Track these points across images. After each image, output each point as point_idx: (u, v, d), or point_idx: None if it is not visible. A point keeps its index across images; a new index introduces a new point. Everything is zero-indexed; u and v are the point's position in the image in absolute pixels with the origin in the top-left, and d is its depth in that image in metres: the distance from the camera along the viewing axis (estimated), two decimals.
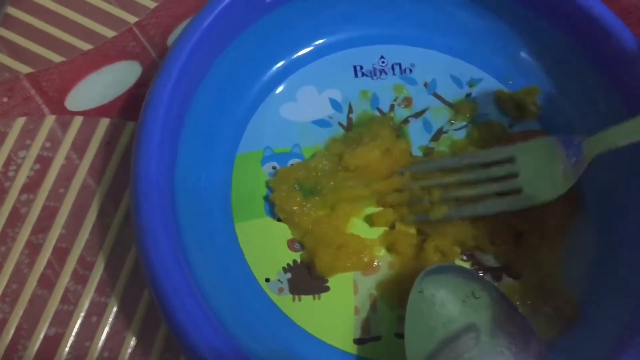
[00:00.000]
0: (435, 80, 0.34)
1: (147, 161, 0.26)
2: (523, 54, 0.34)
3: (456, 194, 0.30)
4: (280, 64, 0.34)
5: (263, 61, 0.33)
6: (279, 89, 0.33)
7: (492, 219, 0.30)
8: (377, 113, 0.33)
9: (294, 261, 0.30)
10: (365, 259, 0.30)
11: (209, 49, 0.29)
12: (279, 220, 0.30)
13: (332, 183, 0.30)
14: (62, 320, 0.29)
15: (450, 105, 0.34)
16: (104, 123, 0.33)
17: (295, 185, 0.30)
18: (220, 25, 0.29)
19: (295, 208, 0.30)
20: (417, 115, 0.33)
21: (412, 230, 0.31)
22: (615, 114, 0.31)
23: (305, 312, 0.29)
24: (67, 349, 0.28)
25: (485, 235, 0.30)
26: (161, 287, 0.25)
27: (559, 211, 0.30)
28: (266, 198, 0.31)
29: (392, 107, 0.33)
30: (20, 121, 0.32)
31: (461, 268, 0.28)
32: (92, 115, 0.33)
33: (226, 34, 0.30)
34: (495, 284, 0.29)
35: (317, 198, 0.30)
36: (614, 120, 0.28)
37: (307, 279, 0.30)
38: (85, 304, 0.29)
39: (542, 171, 0.29)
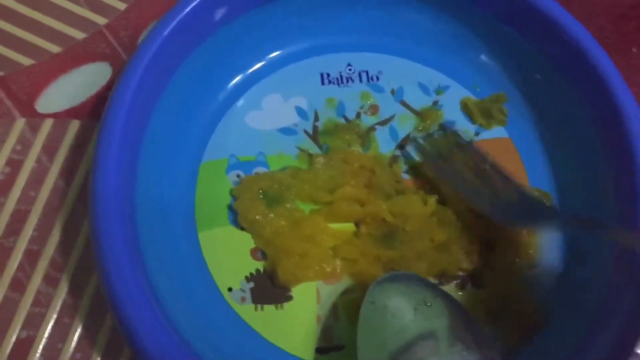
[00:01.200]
0: (403, 87, 0.34)
1: (105, 164, 0.26)
2: (488, 61, 0.34)
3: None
4: (245, 73, 0.34)
5: (227, 70, 0.33)
6: (245, 98, 0.33)
7: (465, 226, 0.30)
8: (342, 121, 0.33)
9: (257, 270, 0.30)
10: (328, 269, 0.30)
11: (170, 58, 0.29)
12: (242, 229, 0.30)
13: (294, 192, 0.30)
14: (34, 322, 0.29)
15: (416, 112, 0.34)
16: (75, 125, 0.33)
17: (260, 195, 0.30)
18: (180, 34, 0.29)
19: (257, 217, 0.30)
20: (384, 122, 0.33)
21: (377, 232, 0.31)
22: (581, 114, 0.31)
23: (267, 321, 0.29)
24: (39, 351, 0.29)
25: (457, 240, 0.30)
26: (115, 294, 0.25)
27: None
28: (230, 207, 0.31)
29: (358, 115, 0.33)
30: None
31: (413, 275, 0.28)
32: (62, 117, 0.33)
33: (187, 44, 0.30)
34: (458, 292, 0.29)
35: (280, 208, 0.30)
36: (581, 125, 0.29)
37: (269, 288, 0.30)
38: (57, 306, 0.29)
39: None
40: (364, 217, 0.31)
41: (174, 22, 0.29)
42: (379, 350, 0.25)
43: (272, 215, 0.30)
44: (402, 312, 0.26)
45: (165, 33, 0.29)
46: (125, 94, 0.28)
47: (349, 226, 0.31)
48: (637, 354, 0.30)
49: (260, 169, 0.32)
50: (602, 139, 0.30)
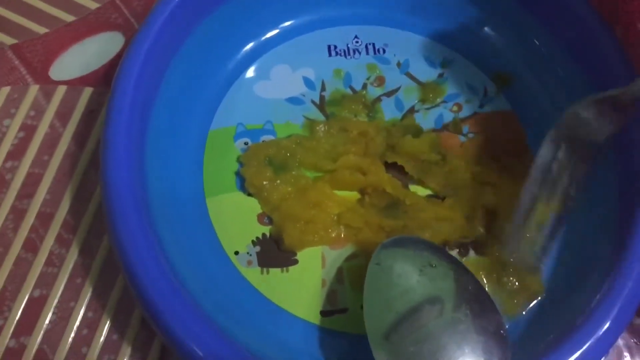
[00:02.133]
0: (409, 60, 0.35)
1: (116, 132, 0.27)
2: (493, 34, 0.35)
3: None
4: (254, 43, 0.34)
5: (237, 40, 0.33)
6: (253, 67, 0.34)
7: (467, 194, 0.31)
8: (349, 91, 0.34)
9: (263, 234, 0.30)
10: (333, 235, 0.30)
11: (180, 25, 0.30)
12: (249, 195, 0.31)
13: (298, 159, 0.31)
14: (47, 282, 0.30)
15: (422, 84, 0.34)
16: (87, 92, 0.33)
17: (266, 161, 0.31)
18: (190, 3, 0.29)
19: (265, 183, 0.30)
20: (390, 94, 0.34)
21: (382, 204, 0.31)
22: (579, 88, 0.31)
23: (273, 284, 0.30)
24: (51, 309, 0.29)
25: (459, 210, 0.31)
26: (128, 257, 0.25)
27: None
28: (237, 173, 0.31)
29: (364, 86, 0.34)
30: (5, 91, 0.33)
31: (418, 239, 0.29)
32: (75, 84, 0.33)
33: (197, 13, 0.31)
34: (461, 259, 0.30)
35: (286, 175, 0.31)
36: (578, 95, 0.29)
37: (275, 252, 0.30)
38: (69, 267, 0.30)
39: None
40: (367, 186, 0.31)
41: None
42: (385, 310, 0.26)
43: (278, 181, 0.31)
44: (408, 273, 0.26)
45: (175, 2, 0.29)
46: (136, 59, 0.28)
47: (354, 194, 0.31)
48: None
49: (268, 137, 0.32)
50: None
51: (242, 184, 0.31)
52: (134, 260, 0.25)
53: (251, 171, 0.31)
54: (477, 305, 0.26)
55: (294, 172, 0.31)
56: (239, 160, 0.31)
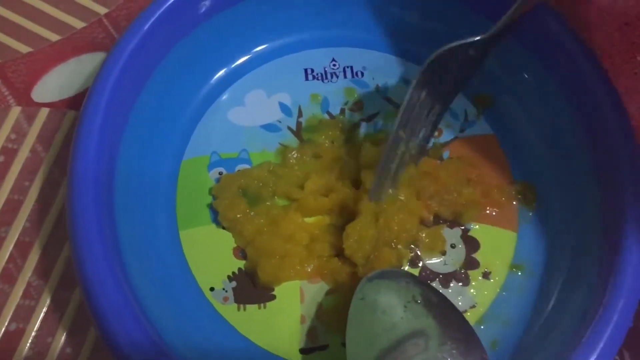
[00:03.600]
0: (387, 83, 0.34)
1: (83, 161, 0.26)
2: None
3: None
4: (228, 68, 0.33)
5: (210, 65, 0.32)
6: (227, 94, 0.33)
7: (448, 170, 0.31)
8: (327, 117, 0.33)
9: (239, 269, 0.29)
10: (309, 268, 0.29)
11: (150, 52, 0.29)
12: (224, 228, 0.30)
13: (271, 189, 0.30)
14: (24, 315, 0.28)
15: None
16: (71, 115, 0.32)
17: (239, 193, 0.30)
18: (160, 29, 0.29)
19: (238, 216, 0.29)
20: (369, 119, 0.33)
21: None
22: (567, 115, 0.31)
23: (250, 321, 0.29)
24: (28, 344, 0.28)
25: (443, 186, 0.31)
26: (92, 291, 0.24)
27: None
28: (211, 205, 0.30)
29: (342, 111, 0.33)
30: None
31: (402, 272, 0.28)
32: (58, 107, 0.32)
33: (167, 39, 0.30)
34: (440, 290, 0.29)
35: (260, 206, 0.30)
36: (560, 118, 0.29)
37: (252, 287, 0.29)
38: (47, 300, 0.29)
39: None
40: (333, 207, 0.30)
41: (156, 15, 0.28)
42: (368, 346, 0.25)
43: (252, 213, 0.29)
44: (393, 309, 0.26)
45: (147, 27, 0.28)
46: (104, 88, 0.27)
47: (324, 219, 0.30)
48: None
49: (243, 166, 0.31)
50: (588, 140, 0.30)
51: (217, 217, 0.30)
52: (102, 306, 0.24)
53: (224, 204, 0.29)
54: (463, 343, 0.25)
55: (267, 203, 0.30)
56: (211, 192, 0.30)
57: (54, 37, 0.34)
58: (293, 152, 0.31)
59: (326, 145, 0.32)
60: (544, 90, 0.31)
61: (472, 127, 0.33)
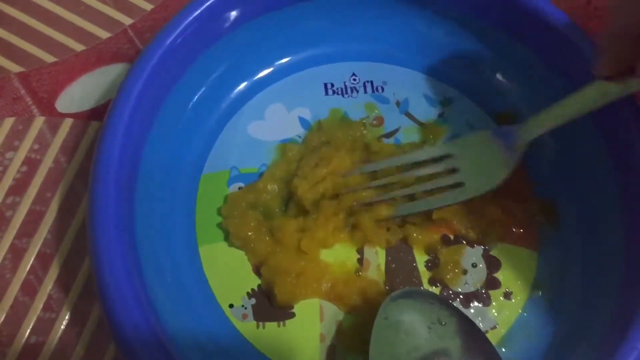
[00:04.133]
0: (408, 99, 0.33)
1: (104, 175, 0.26)
2: (496, 75, 0.34)
3: (394, 193, 0.30)
4: (248, 82, 0.33)
5: (230, 78, 0.32)
6: (247, 107, 0.33)
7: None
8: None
9: (259, 286, 0.29)
10: (324, 286, 0.29)
11: (173, 65, 0.29)
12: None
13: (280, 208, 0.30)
14: (44, 328, 0.28)
15: (422, 125, 0.33)
16: (94, 126, 0.32)
17: (247, 208, 0.30)
18: (184, 41, 0.28)
19: (250, 234, 0.29)
20: (389, 135, 0.33)
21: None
22: (590, 133, 0.30)
23: (269, 339, 0.28)
24: (47, 358, 0.28)
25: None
26: (111, 306, 0.24)
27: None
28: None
29: (363, 126, 0.33)
30: (9, 121, 0.32)
31: (427, 292, 0.28)
32: (82, 118, 0.32)
33: (190, 52, 0.29)
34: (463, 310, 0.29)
35: (272, 220, 0.30)
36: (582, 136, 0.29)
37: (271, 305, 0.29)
38: (68, 313, 0.29)
39: (480, 163, 0.30)
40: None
41: (180, 27, 0.28)
42: None
43: (263, 229, 0.29)
44: (416, 330, 0.26)
45: (170, 39, 0.28)
46: (127, 102, 0.27)
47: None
48: None
49: None
50: (613, 161, 0.29)
51: None
52: (121, 323, 0.24)
53: (234, 223, 0.29)
54: None
55: (277, 210, 0.30)
56: (219, 213, 0.30)
57: (78, 47, 0.34)
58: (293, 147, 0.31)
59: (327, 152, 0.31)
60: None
61: None
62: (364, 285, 0.29)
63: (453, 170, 0.30)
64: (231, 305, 0.29)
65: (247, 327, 0.28)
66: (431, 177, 0.30)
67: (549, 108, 0.28)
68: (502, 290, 0.30)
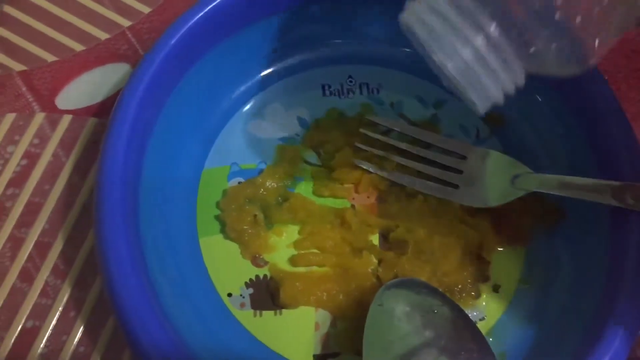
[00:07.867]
0: (402, 100, 0.35)
1: (111, 169, 0.27)
2: None
3: (399, 160, 0.32)
4: (250, 81, 0.34)
5: (231, 77, 0.33)
6: (248, 106, 0.34)
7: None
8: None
9: (257, 276, 0.30)
10: (325, 296, 0.30)
11: (177, 65, 0.30)
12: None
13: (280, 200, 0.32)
14: (40, 313, 0.29)
15: (415, 125, 0.34)
16: (92, 122, 0.33)
17: (246, 202, 0.31)
18: (187, 43, 0.30)
19: (245, 227, 0.30)
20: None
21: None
22: (578, 137, 0.32)
23: (266, 327, 0.29)
24: (43, 341, 0.29)
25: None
26: (117, 296, 0.25)
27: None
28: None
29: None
30: (10, 117, 0.33)
31: (421, 282, 0.29)
32: (81, 114, 0.33)
33: (193, 53, 0.31)
34: None
35: (276, 214, 0.31)
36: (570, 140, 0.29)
37: (268, 294, 0.30)
38: (64, 299, 0.30)
39: (482, 181, 0.31)
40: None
41: (184, 29, 0.29)
42: (384, 352, 0.26)
43: (261, 224, 0.31)
44: (409, 317, 0.27)
45: (174, 41, 0.29)
46: (133, 98, 0.28)
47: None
48: None
49: None
50: (597, 161, 0.31)
51: None
52: (125, 304, 0.25)
53: (231, 216, 0.30)
54: (476, 353, 0.26)
55: (275, 210, 0.31)
56: (218, 206, 0.31)
57: (78, 47, 0.35)
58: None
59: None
60: (555, 112, 0.32)
61: (484, 144, 0.34)
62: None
63: (458, 171, 0.31)
64: (229, 294, 0.30)
65: (245, 315, 0.30)
66: (434, 163, 0.32)
67: (562, 177, 0.28)
68: (490, 284, 0.31)
